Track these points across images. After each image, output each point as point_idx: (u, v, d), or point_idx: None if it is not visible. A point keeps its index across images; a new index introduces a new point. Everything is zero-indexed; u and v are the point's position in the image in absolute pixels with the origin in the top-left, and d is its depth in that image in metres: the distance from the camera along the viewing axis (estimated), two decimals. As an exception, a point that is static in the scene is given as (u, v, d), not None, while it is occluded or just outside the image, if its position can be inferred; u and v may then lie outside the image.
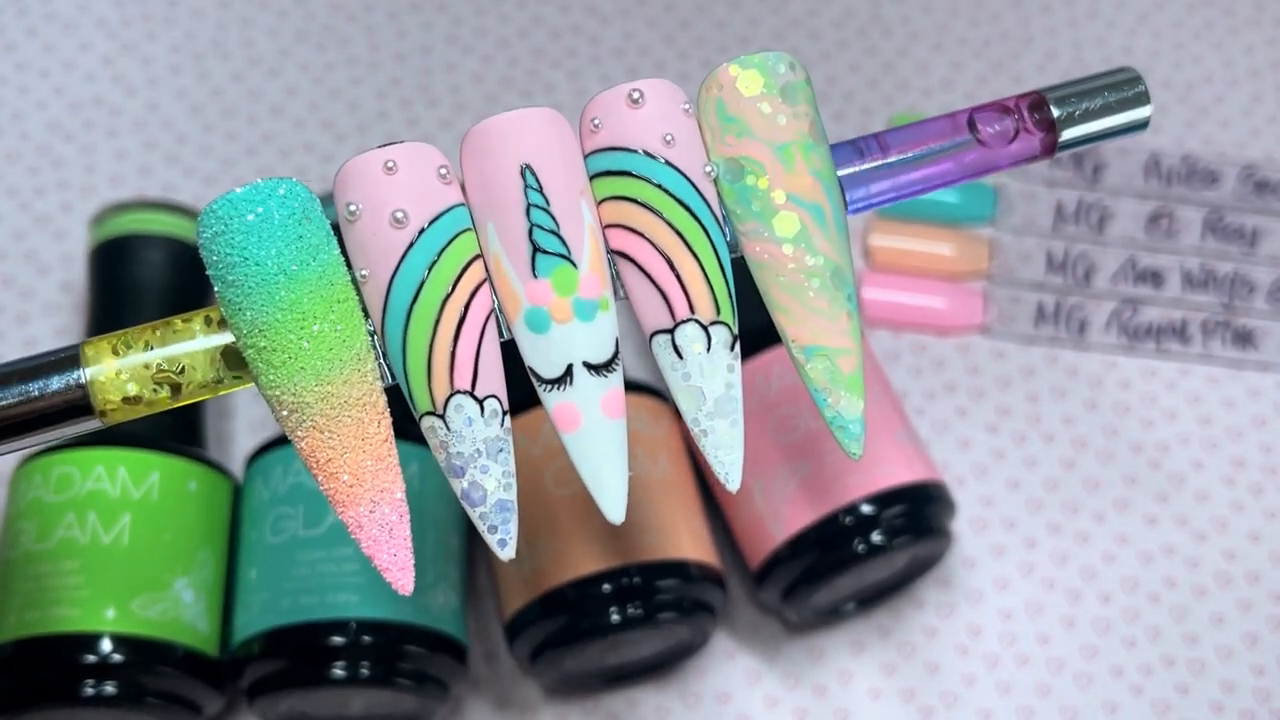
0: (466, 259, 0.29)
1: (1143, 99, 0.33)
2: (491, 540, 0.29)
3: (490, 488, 0.29)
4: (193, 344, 0.29)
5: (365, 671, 0.41)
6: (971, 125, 0.32)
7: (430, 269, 0.28)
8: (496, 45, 0.60)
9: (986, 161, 0.32)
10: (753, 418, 0.44)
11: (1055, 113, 0.32)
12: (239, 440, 0.51)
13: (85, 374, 0.28)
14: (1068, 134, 0.32)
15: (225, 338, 0.29)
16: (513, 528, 0.29)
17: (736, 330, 0.30)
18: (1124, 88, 0.33)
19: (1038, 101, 0.32)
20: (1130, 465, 0.51)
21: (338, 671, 0.41)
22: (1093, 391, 0.52)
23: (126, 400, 0.29)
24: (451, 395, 0.28)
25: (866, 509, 0.43)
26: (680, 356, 0.30)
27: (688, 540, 0.43)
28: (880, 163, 0.32)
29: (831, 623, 0.47)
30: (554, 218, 0.29)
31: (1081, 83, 0.33)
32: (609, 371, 0.29)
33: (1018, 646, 0.47)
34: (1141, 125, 0.33)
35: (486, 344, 0.29)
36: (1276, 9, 0.62)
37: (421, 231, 0.28)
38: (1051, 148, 0.32)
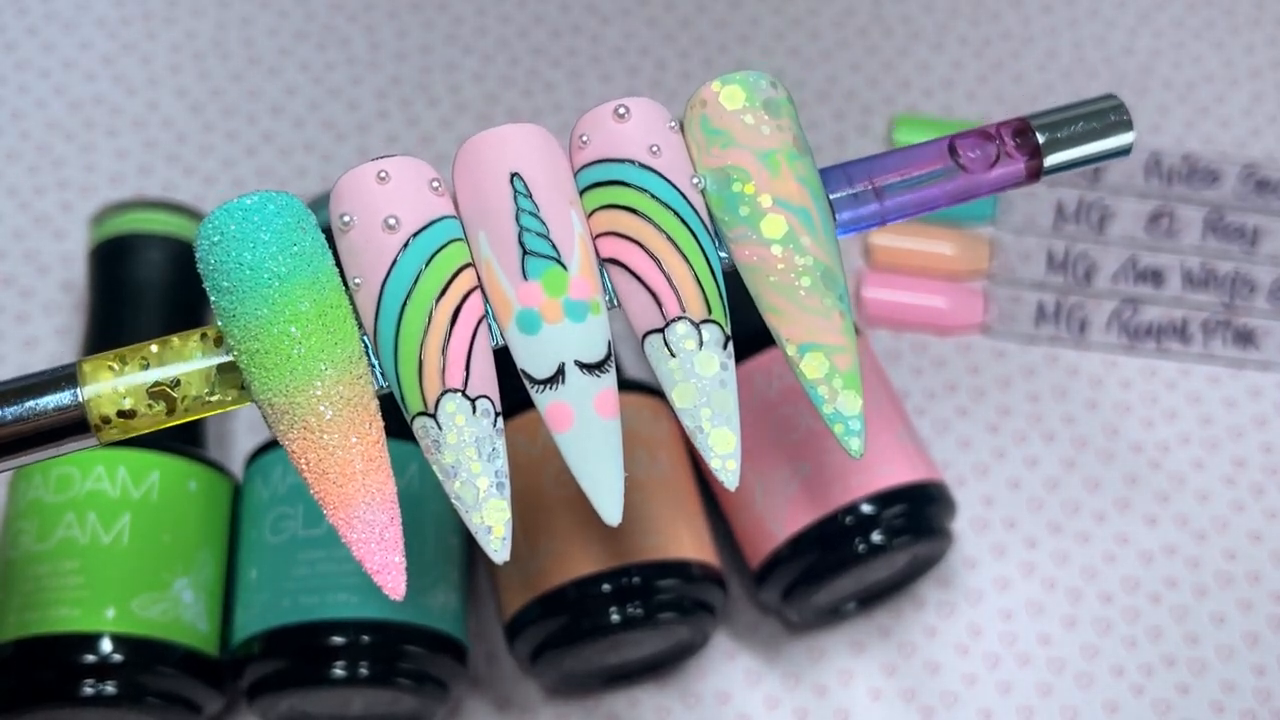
0: (458, 265, 0.29)
1: (1126, 126, 0.33)
2: (485, 542, 0.29)
3: (483, 488, 0.29)
4: (190, 364, 0.29)
5: (365, 671, 0.41)
6: (953, 151, 0.33)
7: (422, 272, 0.29)
8: (496, 45, 0.60)
9: (971, 187, 0.33)
10: (753, 418, 0.44)
11: (1040, 138, 0.33)
12: (239, 440, 0.51)
13: (82, 392, 0.28)
14: (1052, 159, 0.33)
15: (222, 357, 0.29)
16: (506, 530, 0.29)
17: (729, 330, 0.30)
18: (1108, 114, 0.33)
19: (1021, 127, 0.33)
20: (1131, 465, 0.51)
21: (338, 671, 0.41)
22: (1093, 391, 0.52)
23: (121, 414, 0.29)
24: (443, 394, 0.28)
25: (867, 509, 0.43)
26: (673, 355, 0.30)
27: (688, 540, 0.43)
28: (867, 188, 0.32)
29: (832, 623, 0.47)
30: (543, 222, 0.29)
31: (1066, 109, 0.34)
32: (601, 372, 0.29)
33: (1018, 646, 0.47)
34: (1125, 151, 0.34)
35: (478, 345, 0.29)
36: (1276, 9, 0.62)
37: (413, 236, 0.29)
38: (1037, 173, 0.33)
